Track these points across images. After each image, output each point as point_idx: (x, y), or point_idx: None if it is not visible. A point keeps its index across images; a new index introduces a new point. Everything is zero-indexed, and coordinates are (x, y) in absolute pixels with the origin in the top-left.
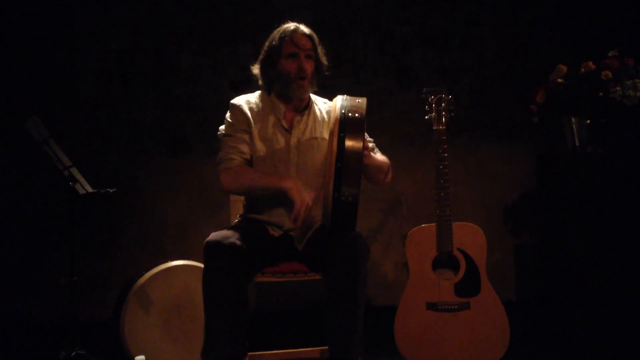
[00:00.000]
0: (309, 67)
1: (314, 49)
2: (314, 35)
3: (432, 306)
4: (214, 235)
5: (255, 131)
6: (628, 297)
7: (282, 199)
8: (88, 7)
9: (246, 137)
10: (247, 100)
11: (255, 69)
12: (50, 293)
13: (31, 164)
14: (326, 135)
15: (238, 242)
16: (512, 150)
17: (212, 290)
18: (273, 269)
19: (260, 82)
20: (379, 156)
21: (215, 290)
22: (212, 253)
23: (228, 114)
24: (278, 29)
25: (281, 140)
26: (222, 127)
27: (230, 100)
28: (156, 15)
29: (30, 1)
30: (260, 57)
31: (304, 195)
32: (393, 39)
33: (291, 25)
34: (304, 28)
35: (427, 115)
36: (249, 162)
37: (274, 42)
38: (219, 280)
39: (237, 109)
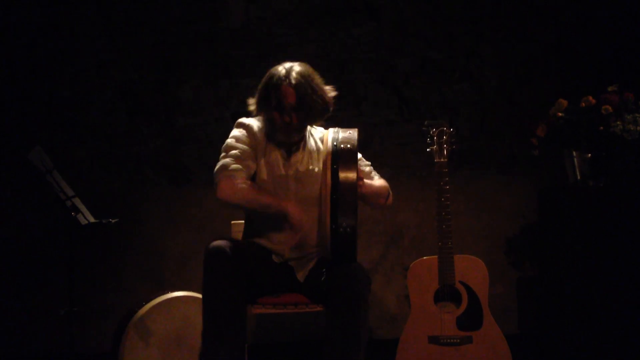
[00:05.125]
0: (294, 118)
1: (302, 97)
2: (303, 82)
3: (434, 340)
4: (214, 243)
5: (259, 153)
6: (632, 330)
7: (282, 226)
8: (93, 41)
9: (252, 154)
10: (256, 123)
11: (252, 106)
12: (49, 324)
13: (33, 193)
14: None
15: (239, 252)
16: (514, 182)
17: (213, 298)
18: (273, 299)
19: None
20: (376, 182)
21: (215, 297)
22: (214, 260)
23: (235, 131)
24: (270, 75)
25: (282, 168)
26: (227, 140)
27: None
28: (159, 49)
29: (36, 34)
30: (256, 101)
31: (301, 221)
32: (394, 71)
33: (281, 73)
34: (293, 76)
35: (428, 148)
36: (251, 178)
37: (263, 93)
38: (219, 290)
39: (247, 127)
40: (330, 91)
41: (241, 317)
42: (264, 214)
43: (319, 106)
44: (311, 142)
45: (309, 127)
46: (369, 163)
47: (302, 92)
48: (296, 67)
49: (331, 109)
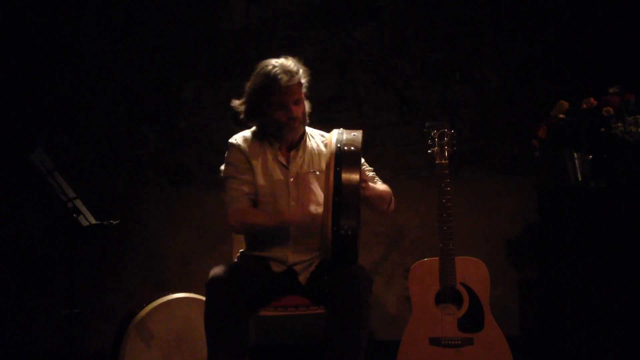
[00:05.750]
0: (298, 111)
1: (302, 90)
2: (299, 70)
3: (435, 341)
4: (215, 271)
5: (255, 166)
6: (632, 331)
7: (285, 232)
8: (95, 43)
9: (248, 177)
10: (244, 138)
11: (240, 108)
12: (50, 325)
13: (34, 194)
14: (324, 168)
15: (239, 277)
16: (515, 184)
17: (214, 326)
18: (275, 302)
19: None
20: (379, 186)
21: (217, 326)
22: (214, 288)
23: (228, 155)
24: (260, 72)
25: (280, 175)
26: (223, 167)
27: (230, 137)
28: (161, 50)
29: (36, 35)
30: (245, 106)
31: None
32: (395, 73)
33: (275, 70)
34: (290, 67)
35: (429, 149)
36: (254, 202)
37: (258, 93)
38: (220, 316)
39: (236, 149)
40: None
41: (243, 336)
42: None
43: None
44: (312, 143)
45: (307, 129)
46: (372, 169)
47: (301, 78)
48: (289, 61)
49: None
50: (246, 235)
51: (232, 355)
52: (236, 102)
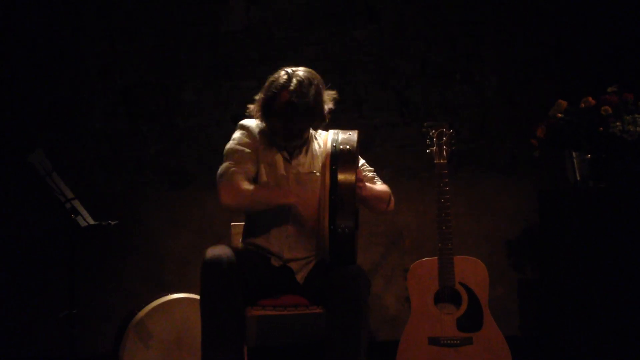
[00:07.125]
0: (294, 124)
1: (302, 105)
2: (304, 89)
3: (434, 341)
4: (211, 252)
5: (261, 155)
6: (632, 332)
7: (282, 228)
8: (95, 43)
9: (253, 156)
10: (257, 124)
11: (253, 111)
12: (50, 326)
13: (33, 195)
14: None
15: (236, 259)
16: (515, 184)
17: (210, 308)
18: (273, 301)
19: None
20: (378, 186)
21: (213, 310)
22: (211, 269)
23: (237, 133)
24: (271, 80)
25: (283, 170)
26: (229, 144)
27: (230, 137)
28: (161, 51)
29: (37, 35)
30: (257, 106)
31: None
32: (395, 74)
33: (283, 79)
34: (294, 82)
35: (428, 149)
36: (254, 180)
37: (264, 98)
38: (216, 300)
39: (248, 130)
40: (328, 101)
41: (240, 321)
42: (267, 211)
43: (318, 113)
44: (314, 146)
45: (312, 131)
46: (372, 169)
47: (303, 99)
48: (299, 72)
49: (327, 119)
50: (244, 226)
51: (229, 333)
52: (251, 107)
